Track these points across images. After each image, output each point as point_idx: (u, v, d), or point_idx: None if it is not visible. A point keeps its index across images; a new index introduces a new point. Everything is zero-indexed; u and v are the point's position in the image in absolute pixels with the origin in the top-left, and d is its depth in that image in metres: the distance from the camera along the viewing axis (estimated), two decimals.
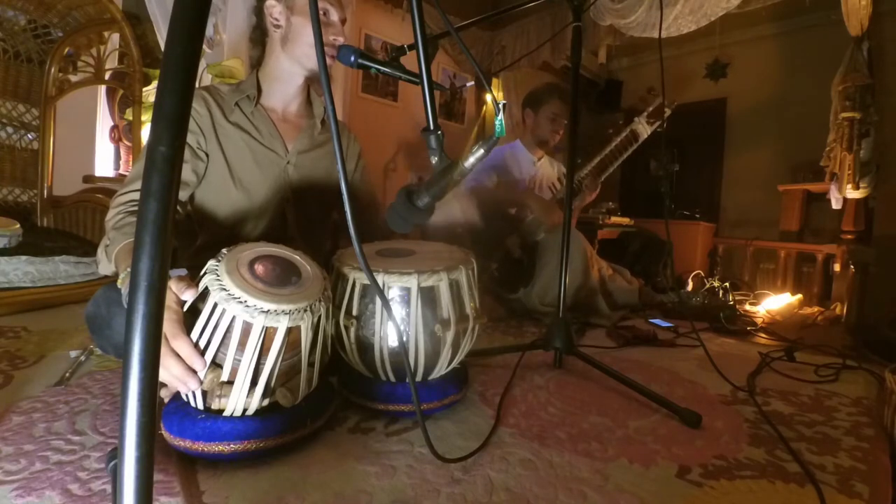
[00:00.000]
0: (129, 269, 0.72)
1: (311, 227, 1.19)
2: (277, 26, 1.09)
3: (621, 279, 2.02)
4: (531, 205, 1.96)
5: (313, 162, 1.17)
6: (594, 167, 1.93)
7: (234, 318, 0.64)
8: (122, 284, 0.75)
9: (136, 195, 0.92)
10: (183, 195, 1.06)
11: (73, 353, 1.09)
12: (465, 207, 1.84)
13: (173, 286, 0.67)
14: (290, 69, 1.11)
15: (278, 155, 1.12)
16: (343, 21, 1.11)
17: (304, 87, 1.16)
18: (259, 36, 1.14)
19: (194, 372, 0.65)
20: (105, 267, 0.85)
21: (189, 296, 0.67)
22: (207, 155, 1.06)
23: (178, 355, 0.64)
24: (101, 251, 0.86)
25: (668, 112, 1.90)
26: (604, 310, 1.79)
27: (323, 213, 1.22)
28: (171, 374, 0.64)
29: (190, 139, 1.03)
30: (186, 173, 1.04)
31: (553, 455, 0.76)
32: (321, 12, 1.06)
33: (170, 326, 0.63)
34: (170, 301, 0.65)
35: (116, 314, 0.84)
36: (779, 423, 0.93)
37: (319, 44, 0.52)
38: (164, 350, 0.62)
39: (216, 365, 0.66)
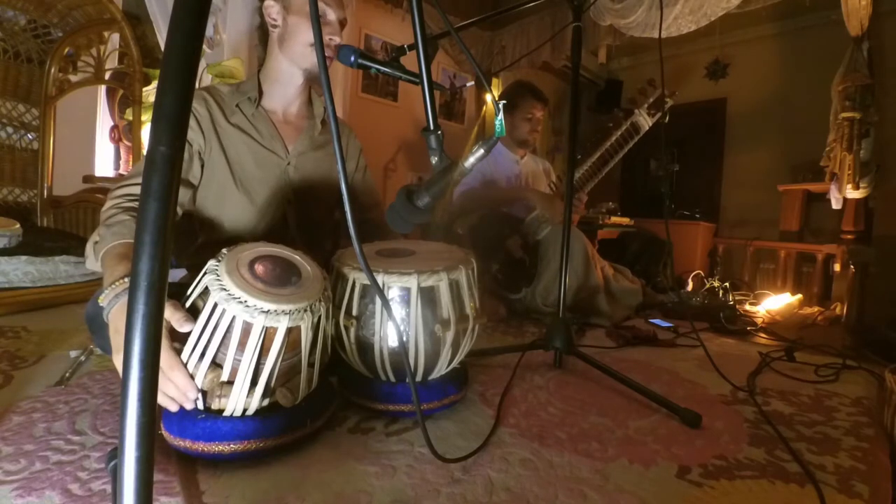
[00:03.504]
0: (112, 287, 0.70)
1: (311, 228, 1.19)
2: (275, 26, 1.09)
3: (624, 279, 2.02)
4: (531, 198, 1.96)
5: (314, 163, 1.17)
6: (594, 162, 1.91)
7: (234, 318, 0.64)
8: (104, 301, 0.70)
9: (134, 189, 0.90)
10: (182, 193, 1.04)
11: (73, 353, 1.09)
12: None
13: (168, 314, 0.64)
14: (288, 69, 1.11)
15: (279, 156, 1.12)
16: (342, 22, 1.11)
17: (305, 88, 1.16)
18: (262, 36, 1.14)
19: (189, 399, 0.66)
20: (91, 263, 0.83)
21: (187, 328, 0.66)
22: (203, 162, 1.06)
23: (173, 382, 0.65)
24: (89, 246, 0.83)
25: (669, 103, 1.88)
26: (605, 310, 1.79)
27: (324, 213, 1.22)
28: (167, 397, 0.65)
29: (191, 138, 1.03)
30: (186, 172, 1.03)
31: (553, 455, 0.76)
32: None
33: (166, 357, 0.63)
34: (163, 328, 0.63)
35: None
36: (779, 423, 0.93)
37: (319, 43, 0.52)
38: (161, 378, 0.63)
39: (216, 365, 0.66)
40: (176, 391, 0.65)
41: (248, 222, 1.11)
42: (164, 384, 0.64)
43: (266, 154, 1.11)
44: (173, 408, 0.67)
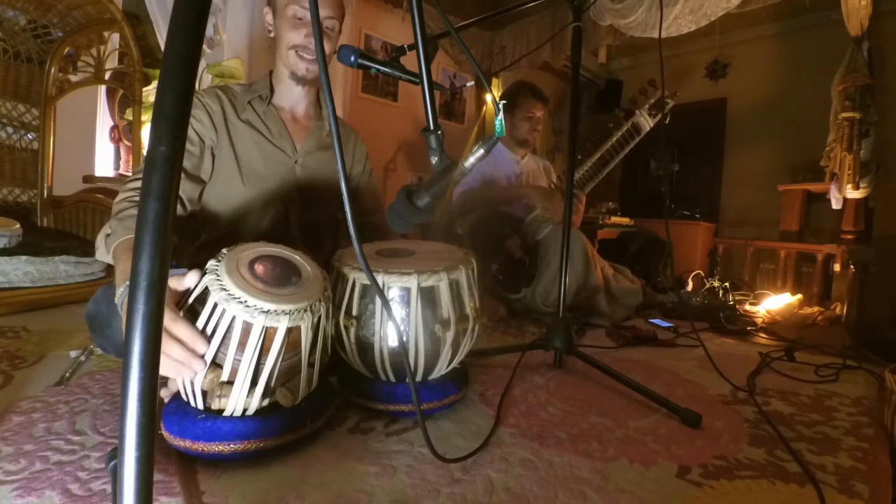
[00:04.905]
0: (127, 285, 0.70)
1: (312, 227, 1.20)
2: (270, 31, 1.13)
3: (624, 279, 2.02)
4: (530, 194, 1.95)
5: (321, 163, 1.19)
6: (595, 162, 1.90)
7: (234, 318, 0.64)
8: (119, 299, 0.70)
9: None
10: (192, 189, 1.04)
11: (73, 353, 1.09)
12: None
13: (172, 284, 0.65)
14: (284, 71, 1.13)
15: (287, 154, 1.13)
16: (326, 21, 1.09)
17: (310, 89, 1.18)
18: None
19: (197, 355, 0.63)
20: (102, 255, 0.83)
21: (191, 279, 0.66)
22: (214, 157, 1.07)
23: (178, 340, 0.62)
24: (101, 238, 0.83)
25: (670, 103, 1.87)
26: (605, 310, 1.79)
27: (326, 213, 1.23)
28: (173, 360, 0.62)
29: (201, 131, 1.04)
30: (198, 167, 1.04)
31: (553, 455, 0.76)
32: (293, 14, 1.06)
33: (166, 316, 0.60)
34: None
35: (117, 313, 0.83)
36: (779, 423, 0.93)
37: (319, 43, 0.51)
38: (163, 337, 0.61)
39: (216, 365, 0.66)
40: (182, 352, 0.62)
41: (250, 218, 1.12)
42: (167, 345, 0.61)
43: (274, 151, 1.12)
44: (185, 373, 0.63)
